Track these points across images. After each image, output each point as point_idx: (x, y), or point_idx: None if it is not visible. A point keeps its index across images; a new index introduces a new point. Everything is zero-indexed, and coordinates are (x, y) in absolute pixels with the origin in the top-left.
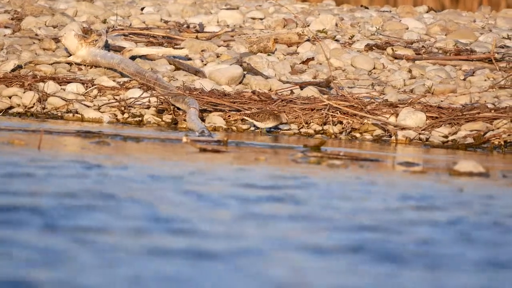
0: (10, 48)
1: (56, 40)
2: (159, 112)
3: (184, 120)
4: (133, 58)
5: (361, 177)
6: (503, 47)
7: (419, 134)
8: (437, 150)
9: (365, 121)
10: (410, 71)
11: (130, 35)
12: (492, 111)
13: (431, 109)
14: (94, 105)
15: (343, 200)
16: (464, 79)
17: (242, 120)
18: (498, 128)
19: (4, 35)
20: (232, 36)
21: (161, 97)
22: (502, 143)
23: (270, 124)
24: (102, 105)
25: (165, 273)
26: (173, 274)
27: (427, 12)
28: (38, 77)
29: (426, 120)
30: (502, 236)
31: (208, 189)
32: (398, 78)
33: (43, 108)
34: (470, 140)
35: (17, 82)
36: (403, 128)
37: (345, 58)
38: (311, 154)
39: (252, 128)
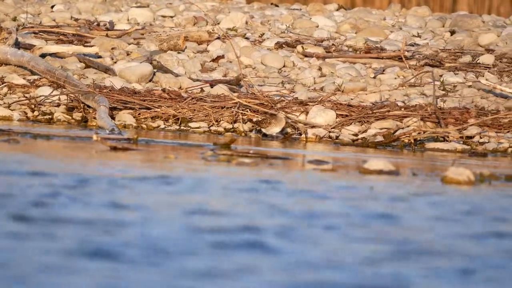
0: None
1: None
2: (69, 110)
3: (94, 118)
4: (43, 56)
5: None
6: (413, 45)
7: (329, 132)
8: (347, 148)
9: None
10: (320, 69)
11: (40, 33)
12: (402, 109)
13: (341, 107)
14: (4, 103)
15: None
16: (374, 77)
17: (253, 126)
18: (408, 126)
19: None
20: (143, 34)
21: (71, 95)
22: (412, 141)
23: (274, 129)
24: (12, 103)
25: None
26: None
27: (337, 10)
28: None
29: (336, 118)
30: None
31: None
32: (308, 76)
33: None
34: (380, 138)
35: None
36: (313, 126)
37: (255, 56)
38: (221, 152)
39: (162, 126)
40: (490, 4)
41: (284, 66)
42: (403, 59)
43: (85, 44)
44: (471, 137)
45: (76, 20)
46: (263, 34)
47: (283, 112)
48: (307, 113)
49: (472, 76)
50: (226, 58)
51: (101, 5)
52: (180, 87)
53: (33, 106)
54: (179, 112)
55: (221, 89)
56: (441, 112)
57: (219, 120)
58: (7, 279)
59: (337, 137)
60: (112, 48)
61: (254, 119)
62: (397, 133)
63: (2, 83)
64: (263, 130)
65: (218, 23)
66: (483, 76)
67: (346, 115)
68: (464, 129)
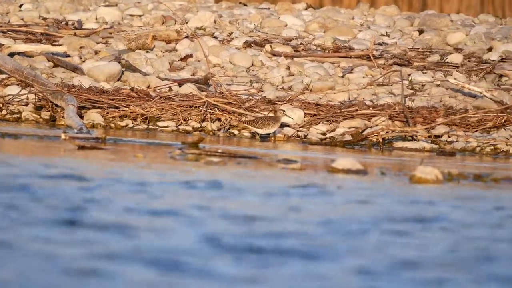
0: None
1: None
2: (38, 109)
3: (63, 117)
4: (11, 54)
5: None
6: (381, 44)
7: (297, 131)
8: (315, 147)
9: (244, 118)
10: (288, 68)
11: (9, 32)
12: (370, 108)
13: (310, 106)
14: None
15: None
16: (342, 76)
17: (244, 128)
18: (376, 125)
19: None
20: (111, 33)
21: (39, 94)
22: (380, 140)
23: (270, 129)
24: None
25: None
26: None
27: (305, 9)
28: None
29: (305, 117)
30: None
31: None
32: (277, 75)
33: None
34: (348, 137)
35: None
36: (281, 125)
37: (223, 55)
38: (189, 151)
39: (131, 125)
40: (460, 3)
41: (252, 65)
42: (372, 58)
43: (54, 43)
44: (439, 136)
45: (45, 19)
46: (232, 33)
47: (282, 111)
48: (275, 112)
49: (441, 75)
50: (195, 57)
51: (70, 4)
52: (149, 86)
53: (1, 105)
54: (148, 111)
55: (189, 88)
56: (409, 111)
57: (187, 119)
58: None
59: (305, 136)
60: (81, 47)
61: (248, 119)
62: (365, 132)
63: None
64: (259, 130)
65: (187, 22)
66: (452, 75)
67: (315, 114)
68: (433, 128)
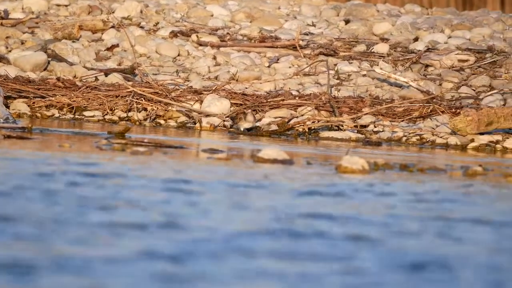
0: None
1: None
2: None
3: None
4: None
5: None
6: (307, 34)
7: (224, 121)
8: (242, 137)
9: (170, 108)
10: (215, 58)
11: None
12: (297, 98)
13: (236, 96)
14: None
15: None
16: (268, 66)
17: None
18: (302, 115)
19: None
20: (37, 23)
21: None
22: (307, 130)
23: (245, 124)
24: None
25: None
26: None
27: None
28: None
29: (231, 107)
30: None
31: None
32: (203, 65)
33: None
34: (274, 127)
35: None
36: (207, 115)
37: (150, 45)
38: (116, 141)
39: (57, 115)
40: None
41: (179, 55)
42: (298, 48)
43: None
44: (365, 126)
45: None
46: (158, 23)
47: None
48: (201, 102)
49: (367, 65)
50: (121, 47)
51: None
52: (75, 76)
53: None
54: (74, 101)
55: (115, 78)
56: (335, 101)
57: (113, 109)
58: None
59: (231, 126)
60: (7, 37)
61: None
62: (291, 122)
63: None
64: (238, 125)
65: (113, 12)
66: (378, 65)
67: (241, 104)
68: (359, 118)
